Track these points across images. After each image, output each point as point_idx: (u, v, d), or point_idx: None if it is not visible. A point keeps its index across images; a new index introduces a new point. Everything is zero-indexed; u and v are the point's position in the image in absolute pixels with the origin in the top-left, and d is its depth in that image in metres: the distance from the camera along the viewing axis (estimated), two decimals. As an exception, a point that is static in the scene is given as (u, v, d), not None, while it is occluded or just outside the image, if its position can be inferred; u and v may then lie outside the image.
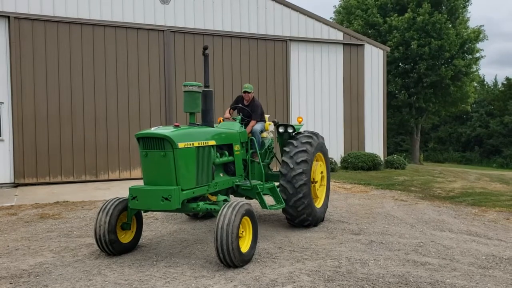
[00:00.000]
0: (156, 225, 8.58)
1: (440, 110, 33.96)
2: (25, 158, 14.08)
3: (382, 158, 19.35)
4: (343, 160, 18.64)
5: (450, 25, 30.38)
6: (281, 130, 8.49)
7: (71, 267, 6.02)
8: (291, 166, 7.77)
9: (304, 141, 8.10)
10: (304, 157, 7.85)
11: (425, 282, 5.33)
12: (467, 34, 30.60)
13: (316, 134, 8.49)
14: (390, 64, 30.13)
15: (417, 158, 32.94)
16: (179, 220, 8.93)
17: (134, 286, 5.26)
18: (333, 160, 17.98)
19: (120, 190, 12.18)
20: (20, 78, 14.02)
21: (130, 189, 6.24)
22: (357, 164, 18.04)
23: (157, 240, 7.45)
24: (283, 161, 7.97)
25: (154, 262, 6.18)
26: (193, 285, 5.26)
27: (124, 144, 15.32)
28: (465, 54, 31.15)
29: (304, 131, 8.59)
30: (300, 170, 7.74)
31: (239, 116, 8.29)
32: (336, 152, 18.85)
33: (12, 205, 10.91)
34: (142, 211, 6.76)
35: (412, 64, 30.70)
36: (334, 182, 14.83)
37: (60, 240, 7.50)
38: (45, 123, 14.34)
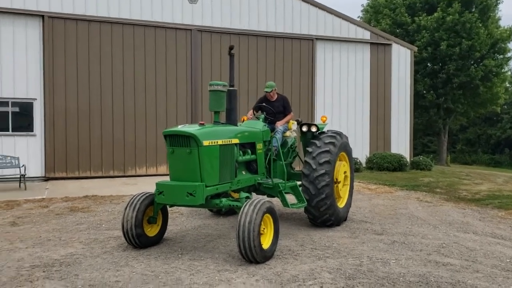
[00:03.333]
0: (182, 219, 8.79)
1: (468, 111, 33.32)
2: (56, 153, 14.55)
3: (408, 159, 19.17)
4: (368, 161, 18.55)
5: (481, 25, 29.77)
6: (304, 129, 8.46)
7: (100, 258, 6.26)
8: (314, 167, 7.77)
9: (327, 141, 8.05)
10: (327, 158, 7.83)
11: (446, 282, 5.35)
12: (498, 33, 29.92)
13: (339, 134, 8.44)
14: (418, 64, 29.72)
15: (444, 160, 32.40)
16: (203, 216, 9.12)
17: (160, 277, 5.45)
18: (358, 161, 17.93)
19: (147, 186, 12.44)
20: (52, 76, 14.49)
21: (157, 184, 6.44)
22: (382, 164, 17.93)
23: (182, 234, 7.65)
24: (305, 161, 7.96)
25: (179, 255, 6.37)
26: (216, 278, 5.41)
27: (151, 141, 15.65)
28: (496, 54, 30.48)
29: (327, 130, 8.55)
30: (323, 171, 7.73)
31: (263, 115, 8.38)
32: (362, 152, 18.77)
33: (43, 198, 11.32)
34: (168, 206, 6.95)
35: (440, 65, 30.22)
36: (359, 182, 14.80)
37: (89, 232, 7.78)
38: (76, 120, 14.79)
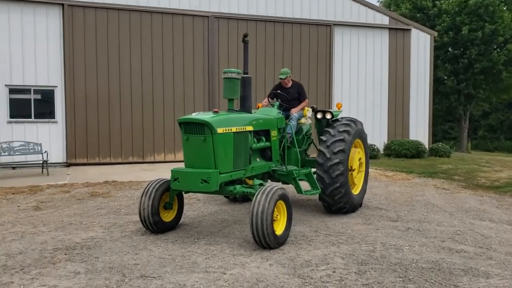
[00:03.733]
0: (198, 205, 8.97)
1: (490, 96, 32.70)
2: (77, 139, 14.88)
3: (426, 146, 19.02)
4: (386, 147, 18.46)
5: (505, 8, 29.04)
6: (319, 116, 8.43)
7: (119, 242, 6.46)
8: (328, 156, 7.77)
9: (341, 129, 8.00)
10: (341, 147, 7.81)
11: (458, 269, 5.39)
12: (523, 17, 29.19)
13: (354, 121, 8.38)
14: (439, 49, 29.21)
15: (464, 147, 31.98)
16: (219, 202, 9.28)
17: (177, 260, 5.61)
18: (375, 147, 17.86)
19: (165, 172, 12.58)
20: (73, 64, 14.75)
21: (172, 171, 6.57)
22: (400, 151, 17.82)
23: (198, 219, 7.82)
24: (319, 150, 7.96)
25: (196, 240, 6.53)
26: (231, 262, 5.56)
27: (169, 128, 15.85)
28: (520, 38, 29.76)
29: (342, 118, 8.50)
30: (337, 160, 7.73)
31: (277, 102, 8.41)
32: (380, 139, 18.68)
33: (65, 183, 11.63)
34: (183, 192, 7.11)
35: (462, 50, 29.65)
36: (376, 169, 14.78)
37: (109, 217, 8.00)
38: (95, 107, 15.06)
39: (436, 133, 44.01)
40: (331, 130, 8.05)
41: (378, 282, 4.95)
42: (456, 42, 29.41)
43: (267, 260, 5.62)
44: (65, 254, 5.90)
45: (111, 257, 5.78)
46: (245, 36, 7.39)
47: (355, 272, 5.25)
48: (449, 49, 30.19)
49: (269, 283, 4.87)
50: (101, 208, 8.74)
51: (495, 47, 29.24)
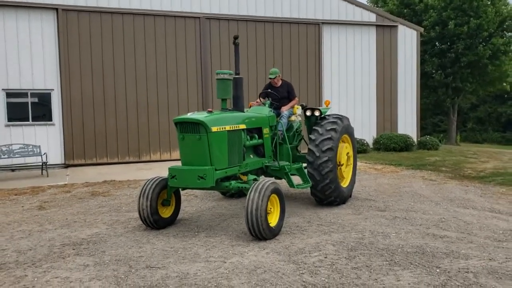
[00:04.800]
0: (197, 201, 9.36)
1: (477, 89, 33.41)
2: (74, 141, 15.20)
3: (415, 139, 19.54)
4: (375, 142, 18.96)
5: (489, 2, 29.65)
6: (308, 113, 8.81)
7: (123, 237, 6.83)
8: (317, 154, 8.18)
9: (329, 128, 8.39)
10: (329, 145, 8.23)
11: (441, 252, 5.83)
12: (507, 11, 29.82)
13: (340, 118, 8.76)
14: (426, 44, 29.79)
15: (453, 139, 32.63)
16: (217, 197, 9.68)
17: (179, 252, 6.00)
18: (365, 142, 18.34)
19: (161, 170, 12.95)
20: (68, 67, 15.05)
21: (170, 169, 6.90)
22: (389, 145, 18.33)
23: (197, 214, 8.21)
24: (309, 149, 8.35)
25: (196, 233, 6.93)
26: (230, 252, 5.96)
27: (164, 127, 16.21)
28: (504, 32, 30.41)
29: (329, 115, 8.87)
30: (326, 158, 8.15)
31: (268, 101, 8.80)
32: (369, 133, 19.17)
33: (65, 184, 11.97)
34: (180, 189, 7.44)
35: (449, 44, 30.25)
36: (365, 163, 15.25)
37: (111, 214, 8.37)
38: (91, 109, 15.39)
39: (426, 126, 44.68)
40: (319, 129, 8.43)
41: (367, 265, 5.38)
42: (443, 37, 30.01)
43: (264, 249, 6.03)
44: (73, 249, 6.25)
45: (116, 250, 6.15)
46: (236, 38, 7.73)
47: (345, 257, 5.67)
48: (436, 43, 30.78)
49: (266, 269, 5.28)
50: (102, 206, 9.09)
51: (480, 40, 29.85)
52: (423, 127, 43.89)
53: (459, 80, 30.75)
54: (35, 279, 5.19)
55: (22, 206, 9.27)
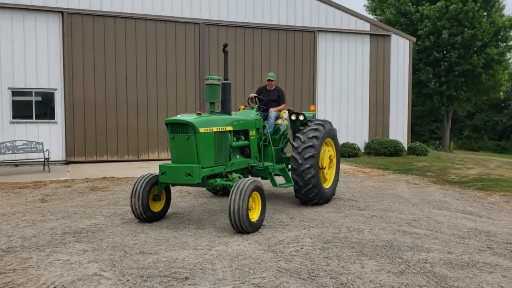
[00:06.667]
0: (189, 198, 9.98)
1: (471, 98, 34.05)
2: (75, 139, 15.84)
3: (405, 145, 20.17)
4: (367, 146, 19.58)
5: (485, 13, 30.31)
6: (293, 118, 9.34)
7: (120, 227, 7.43)
8: (300, 161, 8.71)
9: (311, 135, 8.87)
10: (311, 153, 8.74)
11: (406, 246, 6.44)
12: (501, 22, 30.49)
13: (322, 124, 9.24)
14: (421, 52, 30.45)
15: (447, 146, 33.24)
16: (209, 195, 10.29)
17: (170, 241, 6.61)
18: (356, 146, 18.96)
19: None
20: (72, 67, 15.70)
21: (160, 166, 7.47)
22: (379, 150, 18.94)
23: (189, 209, 8.83)
24: (292, 156, 8.87)
25: (187, 225, 7.54)
26: (216, 241, 6.57)
27: (163, 128, 16.80)
28: (498, 42, 31.07)
29: (311, 121, 9.30)
30: (308, 165, 8.67)
31: (256, 105, 9.40)
32: (361, 138, 19.79)
33: (66, 179, 12.58)
34: (170, 185, 7.98)
35: (443, 53, 30.91)
36: (355, 166, 15.85)
37: (109, 207, 8.97)
38: (93, 108, 16.03)
39: (423, 133, 45.34)
40: (301, 137, 8.93)
41: (337, 255, 5.98)
42: (438, 46, 30.65)
43: (247, 240, 6.64)
44: (73, 237, 6.84)
45: (113, 239, 6.75)
46: (225, 46, 8.31)
47: (320, 248, 6.28)
48: (434, 52, 31.40)
49: (247, 256, 5.89)
50: (101, 200, 9.70)
51: (475, 49, 30.49)
52: (421, 134, 44.58)
53: (453, 89, 31.38)
54: (39, 260, 5.78)
55: (26, 199, 9.88)
